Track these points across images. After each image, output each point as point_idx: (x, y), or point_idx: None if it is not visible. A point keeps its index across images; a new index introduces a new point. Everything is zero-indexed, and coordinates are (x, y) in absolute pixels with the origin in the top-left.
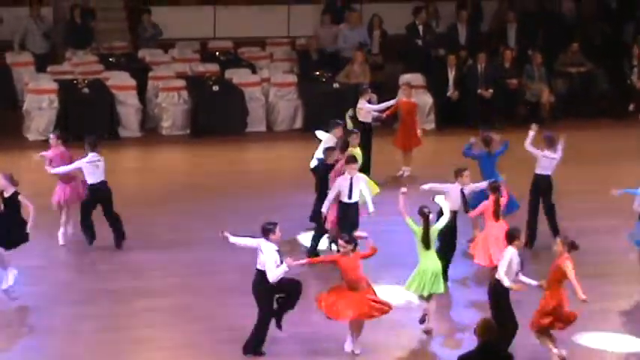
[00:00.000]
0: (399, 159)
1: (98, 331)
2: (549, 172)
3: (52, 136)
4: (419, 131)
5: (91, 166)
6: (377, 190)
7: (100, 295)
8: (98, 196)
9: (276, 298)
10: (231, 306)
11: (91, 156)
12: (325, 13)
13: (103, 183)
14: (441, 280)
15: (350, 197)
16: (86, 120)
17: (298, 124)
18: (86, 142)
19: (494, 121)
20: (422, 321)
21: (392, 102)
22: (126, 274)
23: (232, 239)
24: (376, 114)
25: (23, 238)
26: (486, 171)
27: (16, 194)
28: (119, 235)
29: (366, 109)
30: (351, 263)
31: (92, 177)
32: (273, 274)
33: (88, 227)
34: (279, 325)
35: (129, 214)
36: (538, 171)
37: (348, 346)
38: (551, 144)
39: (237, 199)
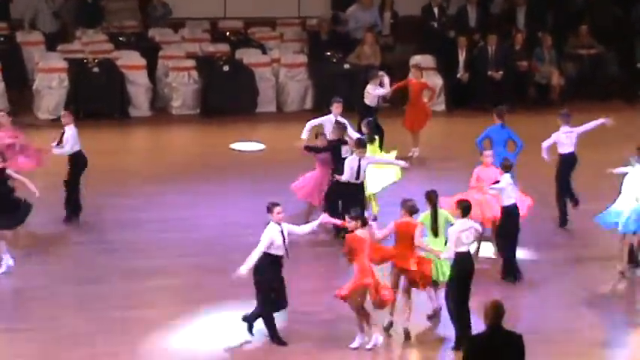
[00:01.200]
0: (409, 140)
1: (109, 309)
2: (573, 149)
3: (1, 114)
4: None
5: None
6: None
7: (111, 273)
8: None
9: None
10: (242, 286)
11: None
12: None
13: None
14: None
15: (357, 178)
16: (96, 99)
17: (308, 104)
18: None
19: (504, 102)
20: (431, 317)
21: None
22: (137, 252)
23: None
24: (382, 92)
25: (14, 219)
26: (498, 144)
27: (3, 170)
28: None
29: (375, 93)
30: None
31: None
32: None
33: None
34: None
35: (139, 193)
36: (561, 150)
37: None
38: (567, 119)
39: (247, 179)
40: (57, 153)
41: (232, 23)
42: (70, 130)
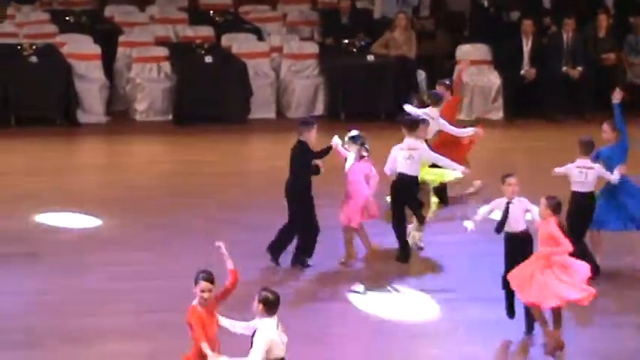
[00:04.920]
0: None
1: None
2: (585, 189)
3: None
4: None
5: None
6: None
7: (49, 335)
8: None
9: None
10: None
11: None
12: None
13: None
14: None
15: None
16: (33, 99)
17: (319, 109)
18: None
19: (584, 110)
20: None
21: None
22: (83, 307)
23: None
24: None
25: None
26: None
27: None
28: None
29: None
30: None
31: None
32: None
33: None
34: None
35: (87, 226)
36: (574, 188)
37: None
38: (587, 149)
39: (233, 209)
40: None
41: None
42: None
